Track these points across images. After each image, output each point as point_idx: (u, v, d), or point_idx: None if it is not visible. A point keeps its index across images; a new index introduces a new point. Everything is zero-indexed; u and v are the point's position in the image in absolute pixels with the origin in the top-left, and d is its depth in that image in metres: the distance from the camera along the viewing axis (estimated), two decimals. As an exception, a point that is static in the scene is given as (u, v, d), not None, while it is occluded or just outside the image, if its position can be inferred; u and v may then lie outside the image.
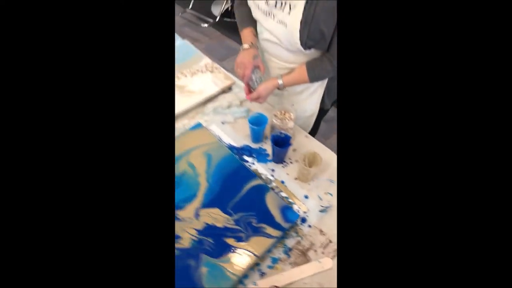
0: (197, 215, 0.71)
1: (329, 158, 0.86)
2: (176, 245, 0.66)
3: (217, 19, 2.53)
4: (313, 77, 0.84)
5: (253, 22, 0.90)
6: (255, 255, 0.65)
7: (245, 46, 0.87)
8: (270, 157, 0.86)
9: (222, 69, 1.09)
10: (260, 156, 0.87)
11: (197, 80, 1.04)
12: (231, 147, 0.88)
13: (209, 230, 0.68)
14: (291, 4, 0.74)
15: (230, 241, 0.67)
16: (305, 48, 0.78)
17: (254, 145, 0.89)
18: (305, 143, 0.91)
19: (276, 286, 0.63)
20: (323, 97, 0.97)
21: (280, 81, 0.84)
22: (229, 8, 2.55)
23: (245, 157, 0.86)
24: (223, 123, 0.95)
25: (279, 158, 0.84)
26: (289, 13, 0.75)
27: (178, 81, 1.03)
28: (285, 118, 0.87)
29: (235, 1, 0.95)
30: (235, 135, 0.92)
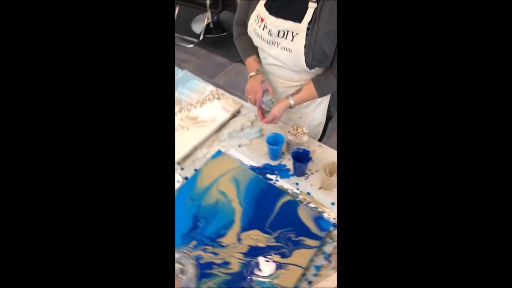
0: (239, 239, 0.76)
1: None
2: (227, 271, 0.71)
3: (201, 38, 2.58)
4: (322, 93, 0.90)
5: (255, 50, 0.96)
6: (300, 267, 0.71)
7: (252, 73, 0.93)
8: (291, 172, 0.92)
9: (227, 94, 1.15)
10: (282, 172, 0.93)
11: (207, 109, 1.09)
12: (253, 168, 0.93)
13: (253, 252, 0.74)
14: (293, 32, 0.80)
15: (276, 258, 0.73)
16: (310, 68, 0.85)
17: (273, 162, 0.95)
18: (319, 152, 0.97)
19: None
20: (329, 106, 1.03)
21: (291, 101, 0.90)
22: (210, 24, 2.61)
23: (268, 176, 0.92)
24: (239, 146, 1.01)
25: (300, 172, 0.90)
26: (292, 40, 0.81)
27: (190, 113, 1.08)
28: (298, 133, 0.94)
29: (235, 32, 1.01)
30: (254, 155, 0.98)
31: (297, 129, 0.95)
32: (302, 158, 0.87)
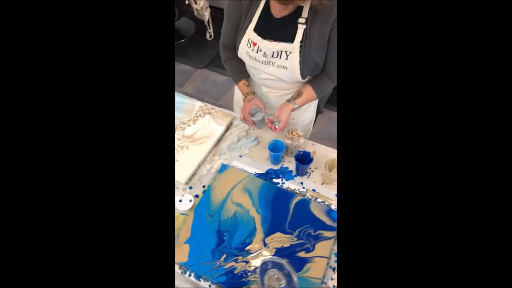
0: (265, 244, 0.83)
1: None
2: (261, 275, 0.77)
3: (159, 48, 2.52)
4: (320, 94, 0.99)
5: (245, 74, 1.05)
6: (324, 257, 0.80)
7: (243, 96, 1.03)
8: (294, 173, 1.01)
9: (217, 108, 1.18)
10: (286, 174, 1.00)
11: (201, 125, 1.12)
12: (259, 175, 0.99)
13: (281, 252, 0.81)
14: (287, 52, 0.87)
15: (302, 254, 0.80)
16: (303, 79, 0.93)
17: (275, 167, 1.02)
18: (312, 150, 1.07)
19: None
20: (318, 105, 1.13)
21: (295, 105, 0.97)
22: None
23: (275, 180, 0.99)
24: (240, 156, 1.06)
25: (303, 172, 0.99)
26: (286, 58, 0.88)
27: (185, 132, 1.10)
28: (294, 137, 1.02)
29: (223, 56, 1.06)
30: (256, 163, 1.04)
31: (292, 133, 1.03)
32: (304, 159, 0.96)
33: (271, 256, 0.79)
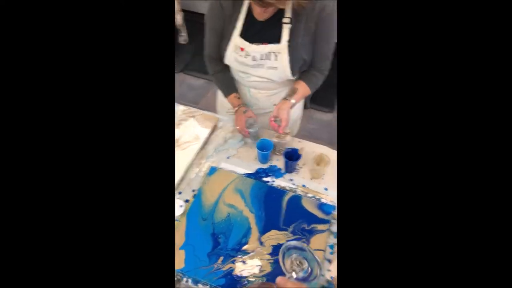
0: (261, 243, 0.83)
1: (324, 151, 1.06)
2: (261, 273, 0.77)
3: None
4: (314, 88, 1.01)
5: (234, 87, 1.06)
6: (320, 250, 0.82)
7: (236, 108, 1.04)
8: (283, 170, 1.02)
9: (200, 111, 1.17)
10: (275, 172, 1.01)
11: (185, 129, 1.10)
12: (249, 175, 1.00)
13: (278, 249, 0.81)
14: (275, 53, 0.88)
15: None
16: (294, 76, 0.94)
17: (264, 166, 1.03)
18: (300, 147, 1.09)
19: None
20: (305, 102, 1.15)
21: (293, 101, 0.98)
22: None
23: (264, 179, 1.00)
24: (228, 158, 1.06)
25: (291, 169, 1.00)
26: (276, 59, 0.89)
27: (169, 137, 1.08)
28: (281, 135, 1.03)
29: (210, 69, 1.06)
30: (244, 163, 1.04)
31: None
32: (292, 156, 0.97)
33: (293, 241, 0.78)
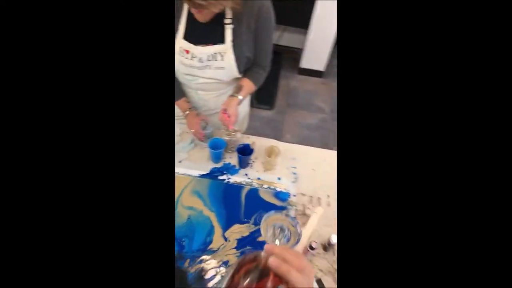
0: (225, 239, 0.84)
1: (273, 143, 1.12)
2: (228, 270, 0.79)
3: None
4: (258, 84, 1.05)
5: (183, 92, 1.07)
6: (282, 235, 0.86)
7: (186, 112, 1.04)
8: (237, 166, 1.04)
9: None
10: (230, 170, 1.03)
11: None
12: (204, 176, 1.00)
13: (242, 242, 0.84)
14: (221, 53, 0.89)
15: (262, 238, 0.85)
16: (241, 74, 0.97)
17: (218, 165, 1.04)
18: (251, 142, 1.13)
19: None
20: (251, 100, 1.19)
21: (240, 97, 0.99)
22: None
23: (220, 177, 1.01)
24: (180, 161, 1.04)
25: (245, 164, 1.03)
26: (222, 59, 0.90)
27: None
28: (231, 133, 1.05)
29: None
30: (197, 165, 1.03)
31: (228, 129, 1.06)
32: (245, 151, 1.00)
33: (272, 212, 0.79)
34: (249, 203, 0.92)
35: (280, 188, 1.00)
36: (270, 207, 0.92)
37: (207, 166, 1.03)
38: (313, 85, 2.88)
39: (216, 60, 0.92)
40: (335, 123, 2.52)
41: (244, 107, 1.20)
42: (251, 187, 0.97)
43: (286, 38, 3.07)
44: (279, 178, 1.03)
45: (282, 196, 0.96)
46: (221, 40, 0.89)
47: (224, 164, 1.05)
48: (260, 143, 1.11)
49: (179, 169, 1.01)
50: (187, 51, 0.90)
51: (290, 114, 2.55)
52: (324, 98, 2.75)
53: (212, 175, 1.00)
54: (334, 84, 2.90)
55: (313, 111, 2.60)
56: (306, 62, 2.87)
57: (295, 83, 2.88)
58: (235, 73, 0.96)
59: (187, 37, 0.89)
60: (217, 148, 1.00)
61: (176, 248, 0.80)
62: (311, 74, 2.93)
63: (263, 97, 2.54)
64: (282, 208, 0.92)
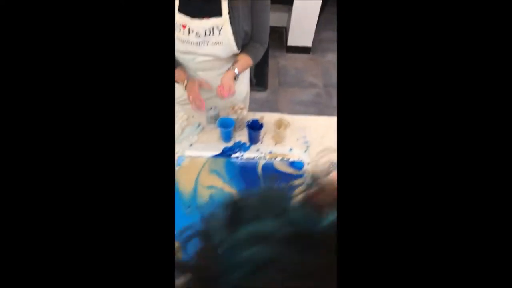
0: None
1: (280, 116, 1.12)
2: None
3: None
4: (255, 59, 1.04)
5: (178, 63, 1.02)
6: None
7: (185, 82, 1.00)
8: (248, 143, 1.05)
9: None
10: (242, 147, 1.04)
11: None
12: (217, 156, 1.00)
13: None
14: (218, 27, 0.88)
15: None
16: (239, 49, 0.96)
17: (229, 144, 1.05)
18: (258, 117, 1.13)
19: None
20: (250, 78, 1.19)
21: (236, 71, 0.99)
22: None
23: (233, 156, 1.01)
24: (191, 145, 1.04)
25: (256, 139, 1.04)
26: (219, 33, 0.89)
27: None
28: (237, 111, 1.06)
29: None
30: (209, 146, 1.04)
31: (234, 108, 1.06)
32: (255, 126, 1.01)
33: None
34: (266, 176, 0.94)
35: (293, 158, 1.01)
36: (287, 177, 0.94)
37: (219, 146, 1.03)
38: (302, 61, 2.88)
39: (213, 34, 0.91)
40: (329, 97, 2.54)
41: (244, 86, 1.20)
42: (266, 160, 0.98)
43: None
44: (290, 149, 1.04)
45: (297, 165, 0.97)
46: (217, 13, 0.88)
47: (235, 143, 1.05)
48: (267, 118, 1.12)
49: (192, 152, 1.01)
50: (184, 26, 0.89)
51: (283, 93, 2.55)
52: (315, 73, 2.75)
53: (224, 154, 1.01)
54: (323, 59, 2.90)
55: (306, 87, 2.61)
56: (293, 39, 2.85)
57: (283, 61, 2.87)
58: (234, 48, 0.95)
59: (183, 10, 0.88)
60: (227, 126, 1.00)
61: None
62: (298, 51, 2.92)
63: (256, 79, 2.53)
64: (299, 177, 0.94)
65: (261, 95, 2.52)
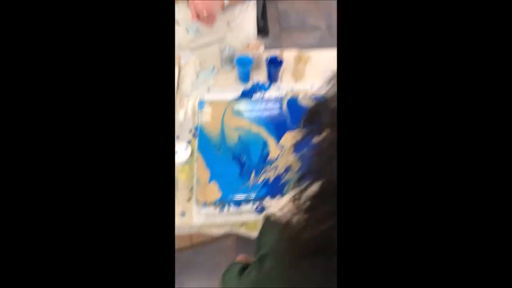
0: (282, 147, 0.84)
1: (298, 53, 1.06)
2: (295, 171, 0.80)
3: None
4: None
5: None
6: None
7: None
8: (267, 83, 1.00)
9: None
10: (261, 87, 1.00)
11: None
12: (238, 98, 0.96)
13: (299, 146, 0.84)
14: None
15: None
16: None
17: (247, 86, 1.00)
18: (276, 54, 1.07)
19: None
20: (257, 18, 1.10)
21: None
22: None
23: (254, 96, 0.97)
24: (209, 89, 0.99)
25: (276, 76, 0.99)
26: None
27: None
28: (253, 49, 0.99)
29: None
30: (227, 88, 0.99)
31: (249, 46, 1.00)
32: (274, 62, 0.96)
33: None
34: (292, 112, 0.91)
35: (316, 95, 0.97)
36: (313, 111, 0.91)
37: (237, 88, 0.99)
38: (302, 4, 2.70)
39: None
40: (335, 38, 2.42)
41: (248, 26, 1.10)
42: (289, 97, 0.95)
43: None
44: (311, 86, 1.00)
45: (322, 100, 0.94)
46: None
47: (253, 84, 1.00)
48: (285, 54, 1.06)
49: (211, 96, 0.97)
50: None
51: (287, 38, 2.42)
52: (317, 15, 2.59)
53: (245, 96, 0.97)
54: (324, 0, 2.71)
55: (310, 31, 2.48)
56: (290, -20, 2.64)
57: (283, 6, 2.68)
58: None
59: None
60: (245, 65, 0.95)
61: (238, 165, 0.81)
62: (297, -7, 2.72)
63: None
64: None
65: (264, 42, 2.40)
